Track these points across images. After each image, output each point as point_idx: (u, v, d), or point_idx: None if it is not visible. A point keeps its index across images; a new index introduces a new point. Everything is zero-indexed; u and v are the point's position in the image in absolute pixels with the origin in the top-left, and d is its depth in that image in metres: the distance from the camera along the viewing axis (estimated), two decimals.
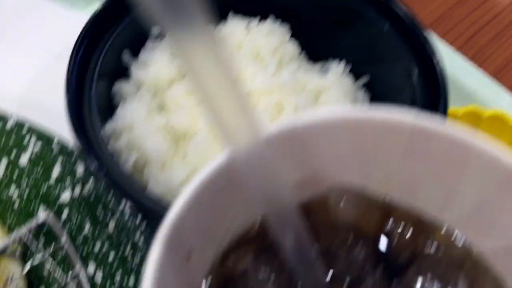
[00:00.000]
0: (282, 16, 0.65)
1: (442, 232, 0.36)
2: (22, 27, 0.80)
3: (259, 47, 0.59)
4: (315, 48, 0.68)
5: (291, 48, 0.63)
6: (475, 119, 0.62)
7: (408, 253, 0.35)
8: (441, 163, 0.31)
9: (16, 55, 0.76)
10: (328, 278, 0.33)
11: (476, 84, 0.73)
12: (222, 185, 0.29)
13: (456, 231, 0.35)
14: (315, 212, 0.35)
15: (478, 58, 0.82)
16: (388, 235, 0.35)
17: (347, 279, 0.34)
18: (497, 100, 0.73)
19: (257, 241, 0.35)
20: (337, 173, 0.35)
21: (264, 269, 0.34)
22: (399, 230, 0.35)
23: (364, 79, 0.65)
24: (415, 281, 0.33)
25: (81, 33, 0.60)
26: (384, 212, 0.36)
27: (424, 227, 0.36)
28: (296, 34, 0.66)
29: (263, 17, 0.64)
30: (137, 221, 0.52)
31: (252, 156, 0.26)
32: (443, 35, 0.84)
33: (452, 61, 0.76)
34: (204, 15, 0.19)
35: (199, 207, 0.28)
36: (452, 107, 0.57)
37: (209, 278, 0.33)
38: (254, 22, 0.63)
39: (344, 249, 0.35)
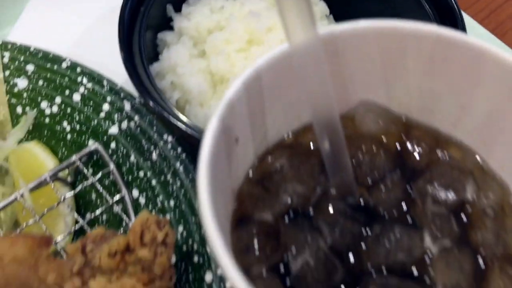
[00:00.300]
0: None
1: (455, 147, 0.40)
2: None
3: None
4: (342, 11, 0.72)
5: (322, 7, 0.68)
6: None
7: (423, 162, 0.40)
8: (459, 73, 0.35)
9: (65, 16, 0.82)
10: (353, 178, 0.38)
11: None
12: (274, 77, 0.34)
13: (468, 146, 0.40)
14: (344, 125, 0.40)
15: (498, 31, 0.85)
16: (406, 147, 0.40)
17: (369, 179, 0.39)
18: None
19: (291, 148, 0.41)
20: (364, 90, 0.40)
21: (296, 168, 0.39)
22: (416, 143, 0.40)
23: None
24: (428, 184, 0.38)
25: None
26: (404, 128, 0.41)
27: (439, 142, 0.40)
28: None
29: None
30: (178, 152, 0.57)
31: (303, 53, 0.31)
32: (465, 9, 0.87)
33: (473, 32, 0.80)
34: None
35: (250, 96, 0.33)
36: None
37: (250, 172, 0.39)
38: None
39: (368, 157, 0.39)
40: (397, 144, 0.40)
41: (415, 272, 0.35)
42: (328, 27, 0.35)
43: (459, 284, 0.34)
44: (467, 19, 0.83)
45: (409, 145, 0.40)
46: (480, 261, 0.35)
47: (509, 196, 0.38)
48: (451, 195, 0.38)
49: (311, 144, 0.41)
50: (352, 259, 0.35)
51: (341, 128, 0.36)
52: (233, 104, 0.32)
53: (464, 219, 0.37)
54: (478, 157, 0.40)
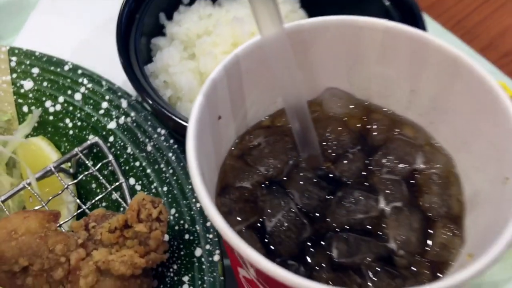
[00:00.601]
0: None
1: (409, 126, 0.47)
2: (69, 2, 0.93)
3: None
4: None
5: (300, 15, 0.75)
6: None
7: (381, 140, 0.46)
8: (407, 60, 0.42)
9: (65, 25, 0.89)
10: (320, 153, 0.44)
11: None
12: (250, 64, 0.41)
13: (419, 125, 0.47)
14: (313, 109, 0.47)
15: (466, 37, 0.93)
16: (367, 127, 0.47)
17: (335, 154, 0.45)
18: None
19: (267, 129, 0.47)
20: (329, 78, 0.47)
21: (272, 145, 0.45)
22: (376, 124, 0.47)
23: None
24: (384, 157, 0.44)
25: (124, 2, 0.71)
26: (365, 111, 0.48)
27: (395, 123, 0.47)
28: (305, 6, 0.78)
29: None
30: (171, 143, 0.64)
31: (273, 43, 0.38)
32: (436, 18, 0.95)
33: (443, 38, 0.87)
34: None
35: (230, 79, 0.40)
36: None
37: (232, 148, 0.45)
38: None
39: (334, 135, 0.46)
40: (359, 125, 0.47)
41: (372, 229, 0.41)
42: (295, 22, 0.42)
43: (409, 239, 0.41)
44: (437, 26, 0.90)
45: (369, 125, 0.47)
46: (426, 219, 0.42)
47: (453, 167, 0.44)
48: (403, 166, 0.44)
49: (285, 125, 0.47)
50: (318, 219, 0.42)
51: (309, 111, 0.43)
52: (216, 83, 0.39)
53: (414, 185, 0.43)
54: (428, 135, 0.46)
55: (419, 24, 0.67)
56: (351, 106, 0.48)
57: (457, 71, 0.41)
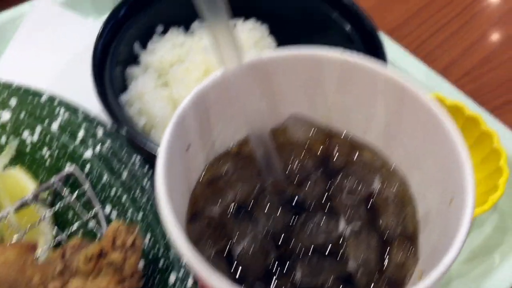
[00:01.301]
0: (263, 17, 0.81)
1: (367, 150, 0.50)
2: (47, 32, 0.95)
3: (243, 39, 0.74)
4: (289, 44, 0.83)
5: (270, 41, 0.78)
6: None
7: (342, 163, 0.49)
8: (361, 90, 0.45)
9: (43, 54, 0.91)
10: (284, 177, 0.47)
11: (424, 78, 0.89)
12: (215, 96, 0.44)
13: (376, 149, 0.50)
14: (277, 135, 0.50)
15: (428, 58, 0.97)
16: (328, 152, 0.50)
17: (299, 178, 0.48)
18: (443, 91, 0.88)
19: (235, 156, 0.50)
20: (292, 105, 0.50)
21: (239, 171, 0.48)
22: (337, 148, 0.50)
23: None
24: (344, 180, 0.47)
25: (100, 31, 0.74)
26: (326, 136, 0.51)
27: (354, 147, 0.50)
28: (273, 32, 0.82)
29: (247, 17, 0.80)
30: (145, 170, 0.66)
31: (237, 76, 0.41)
32: (400, 40, 1.00)
33: (405, 61, 0.92)
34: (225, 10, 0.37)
35: (197, 110, 0.42)
36: None
37: (202, 175, 0.48)
38: (240, 21, 0.79)
39: (297, 160, 0.49)
40: (321, 149, 0.50)
41: (334, 249, 0.44)
42: (257, 54, 0.45)
43: (368, 257, 0.43)
44: (400, 49, 0.95)
45: (330, 149, 0.50)
46: (384, 238, 0.44)
47: (408, 187, 0.47)
48: (362, 188, 0.47)
49: (252, 152, 0.50)
50: (283, 242, 0.44)
51: (270, 138, 0.45)
52: (185, 115, 0.41)
53: (372, 206, 0.46)
54: (385, 158, 0.49)
55: (378, 46, 0.71)
56: (313, 132, 0.51)
57: (403, 98, 0.44)
